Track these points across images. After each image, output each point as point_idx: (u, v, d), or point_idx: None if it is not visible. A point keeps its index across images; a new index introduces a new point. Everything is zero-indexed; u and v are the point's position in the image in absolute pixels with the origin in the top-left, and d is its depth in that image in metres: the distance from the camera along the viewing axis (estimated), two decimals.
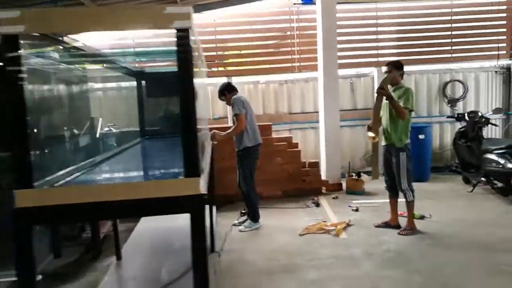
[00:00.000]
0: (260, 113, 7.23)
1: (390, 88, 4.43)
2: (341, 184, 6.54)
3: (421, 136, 6.67)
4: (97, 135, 5.14)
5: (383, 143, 4.56)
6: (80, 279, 3.75)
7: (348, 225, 4.85)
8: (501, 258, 3.72)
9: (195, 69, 2.88)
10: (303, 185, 6.32)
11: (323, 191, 6.45)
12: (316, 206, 5.75)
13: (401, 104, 4.26)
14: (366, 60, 7.28)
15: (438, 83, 7.57)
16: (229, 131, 4.84)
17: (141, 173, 2.72)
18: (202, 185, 2.05)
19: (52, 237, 4.26)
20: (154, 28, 1.99)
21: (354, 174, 6.41)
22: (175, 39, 1.90)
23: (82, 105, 5.07)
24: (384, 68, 4.54)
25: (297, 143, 6.50)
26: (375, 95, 4.42)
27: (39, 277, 3.72)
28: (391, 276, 3.50)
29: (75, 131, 4.53)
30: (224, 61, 7.21)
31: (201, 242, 2.02)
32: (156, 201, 1.94)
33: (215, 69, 7.05)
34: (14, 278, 3.62)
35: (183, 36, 1.89)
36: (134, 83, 4.95)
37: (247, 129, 4.79)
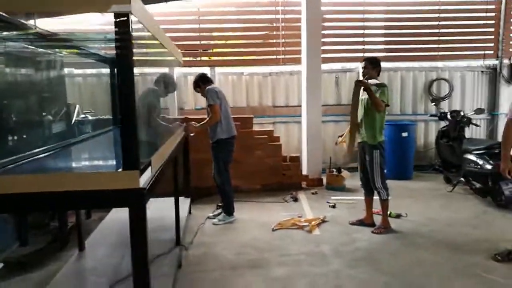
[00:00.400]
0: (244, 105, 7.13)
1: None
2: (321, 180, 6.48)
3: (404, 134, 6.60)
4: (72, 122, 5.03)
5: (357, 139, 4.49)
6: (44, 268, 3.66)
7: (323, 221, 4.78)
8: (470, 259, 3.67)
9: (143, 57, 2.77)
10: (283, 179, 6.25)
11: (303, 186, 6.39)
12: (294, 201, 5.69)
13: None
14: (352, 55, 7.18)
15: (424, 81, 7.50)
16: (203, 122, 4.74)
17: (94, 162, 2.63)
18: (142, 179, 1.96)
19: (19, 225, 4.17)
20: (93, 11, 1.89)
21: (334, 170, 6.34)
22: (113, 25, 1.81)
23: (58, 91, 4.94)
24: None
25: (278, 137, 6.41)
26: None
27: (0, 264, 3.65)
28: (357, 275, 3.44)
29: (47, 117, 4.41)
30: (208, 51, 7.07)
31: (140, 238, 1.94)
32: (92, 194, 1.85)
33: (198, 58, 6.91)
34: None
35: (121, 21, 1.80)
36: (107, 70, 4.85)
37: (221, 120, 4.70)
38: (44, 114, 4.42)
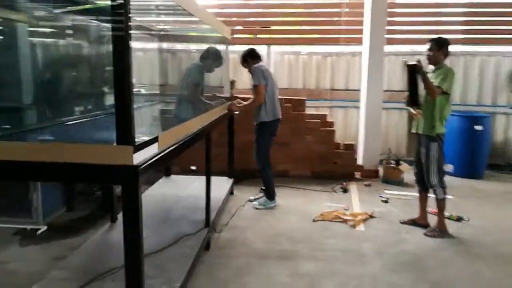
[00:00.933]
0: (299, 87, 6.78)
1: (430, 69, 3.84)
2: (377, 171, 5.99)
3: (478, 127, 5.84)
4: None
5: (413, 130, 3.99)
6: (82, 234, 3.74)
7: (371, 216, 4.38)
8: None
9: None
10: (334, 168, 5.87)
11: (357, 176, 5.95)
12: (344, 192, 5.31)
13: (435, 83, 3.66)
14: (423, 36, 6.45)
15: (510, 68, 6.54)
16: (246, 103, 4.56)
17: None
18: (139, 156, 1.80)
19: (67, 191, 4.34)
20: None
21: (393, 162, 5.81)
22: None
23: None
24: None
25: (332, 122, 6.00)
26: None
27: (44, 227, 3.81)
28: (396, 282, 3.06)
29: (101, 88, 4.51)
30: (265, 28, 6.77)
31: (132, 217, 1.79)
32: (82, 167, 1.73)
33: (255, 36, 6.66)
34: (20, 226, 3.74)
35: None
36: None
37: (266, 102, 4.42)
38: (99, 85, 4.53)
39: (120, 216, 3.69)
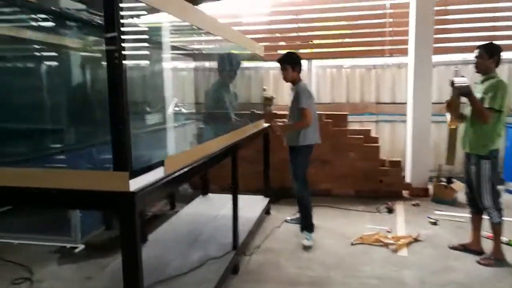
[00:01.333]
0: (343, 101, 6.55)
1: (478, 79, 3.51)
2: (427, 190, 5.56)
3: None
4: (166, 113, 5.21)
5: (462, 148, 3.64)
6: (114, 254, 3.80)
7: (416, 240, 4.04)
8: None
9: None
10: (380, 186, 5.54)
11: (404, 195, 5.57)
12: (389, 212, 4.97)
13: (486, 103, 3.30)
14: (475, 43, 5.97)
15: None
16: (291, 124, 4.10)
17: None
18: (139, 181, 1.75)
19: (105, 213, 4.46)
20: None
21: (444, 179, 5.37)
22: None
23: (156, 85, 5.19)
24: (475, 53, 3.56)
25: (376, 138, 5.70)
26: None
27: (81, 246, 3.93)
28: None
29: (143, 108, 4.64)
30: (307, 43, 6.65)
31: (129, 244, 1.74)
32: (79, 194, 1.71)
33: (295, 51, 6.54)
34: (59, 244, 3.88)
35: (108, 8, 1.60)
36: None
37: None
38: (142, 105, 4.67)
39: (150, 237, 3.71)
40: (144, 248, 3.48)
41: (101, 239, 4.14)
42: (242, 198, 4.94)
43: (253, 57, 4.48)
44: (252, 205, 4.58)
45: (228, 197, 4.98)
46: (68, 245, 3.89)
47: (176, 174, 2.10)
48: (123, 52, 1.62)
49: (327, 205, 5.23)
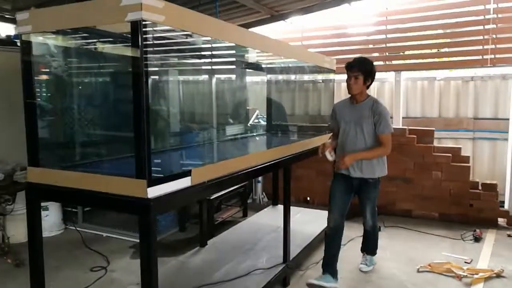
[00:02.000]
0: (435, 116, 6.05)
1: None
2: None
3: None
4: (248, 124, 5.50)
5: None
6: (180, 255, 4.08)
7: (497, 275, 3.57)
8: None
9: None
10: (469, 211, 4.99)
11: (501, 223, 4.92)
12: (475, 240, 4.45)
13: None
14: None
15: None
16: (366, 152, 3.28)
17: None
18: (158, 189, 1.93)
19: (180, 213, 4.85)
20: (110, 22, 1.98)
21: None
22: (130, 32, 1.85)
23: (240, 98, 5.54)
24: None
25: (467, 157, 5.15)
26: None
27: None
28: None
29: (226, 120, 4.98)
30: (395, 54, 6.30)
31: (146, 247, 1.92)
32: (104, 196, 1.96)
33: (381, 63, 6.26)
34: (136, 240, 4.34)
35: (135, 29, 1.82)
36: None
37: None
38: (225, 117, 5.03)
39: (209, 242, 3.92)
40: (201, 252, 3.73)
41: (172, 240, 4.51)
42: (310, 212, 4.96)
43: (321, 71, 4.45)
44: (317, 220, 4.51)
45: (298, 210, 5.05)
46: None
47: (199, 185, 2.22)
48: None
49: (403, 226, 4.89)
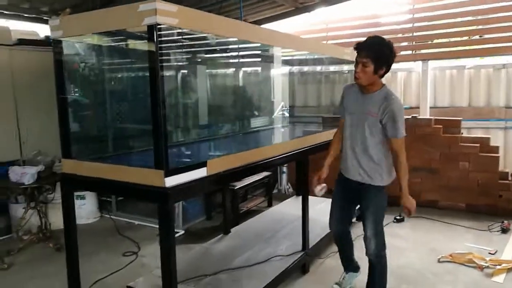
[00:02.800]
0: (464, 105, 5.92)
1: None
2: None
3: None
4: (272, 116, 5.62)
5: None
6: (202, 242, 4.26)
7: None
8: None
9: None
10: (498, 202, 4.90)
11: None
12: (502, 232, 4.39)
13: None
14: None
15: None
16: (400, 175, 2.71)
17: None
18: (176, 179, 2.09)
19: (207, 202, 5.06)
20: (130, 26, 2.15)
21: None
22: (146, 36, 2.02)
23: (264, 90, 5.66)
24: None
25: (496, 147, 5.03)
26: None
27: (181, 232, 4.58)
28: None
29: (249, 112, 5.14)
30: (424, 43, 6.18)
31: (165, 232, 2.10)
32: (127, 185, 2.15)
33: (409, 52, 6.16)
34: None
35: (150, 32, 1.98)
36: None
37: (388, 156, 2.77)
38: (248, 110, 5.18)
39: (232, 230, 4.10)
40: (224, 239, 3.91)
41: (198, 228, 4.73)
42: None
43: (342, 62, 4.48)
44: None
45: (322, 200, 5.12)
46: None
47: (214, 175, 2.37)
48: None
49: (428, 217, 4.87)
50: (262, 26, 6.66)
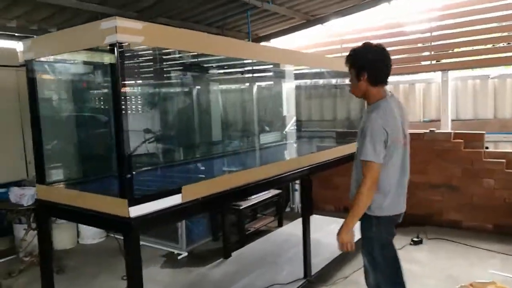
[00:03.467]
0: (489, 118, 5.52)
1: None
2: None
3: None
4: (284, 131, 5.40)
5: None
6: (205, 265, 4.08)
7: None
8: None
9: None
10: None
11: None
12: None
13: None
14: None
15: None
16: (352, 203, 2.33)
17: None
18: (144, 208, 1.95)
19: (213, 222, 4.89)
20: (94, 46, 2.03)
21: None
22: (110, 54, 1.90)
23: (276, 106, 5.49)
24: None
25: None
26: None
27: (185, 254, 4.43)
28: None
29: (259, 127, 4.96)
30: (444, 52, 5.84)
31: (131, 265, 1.95)
32: (93, 213, 2.02)
33: (427, 62, 5.84)
34: (168, 249, 4.45)
35: (111, 50, 1.87)
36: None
37: (383, 183, 2.29)
38: (258, 125, 5.02)
39: (233, 254, 3.90)
40: (224, 263, 3.72)
41: (203, 249, 4.56)
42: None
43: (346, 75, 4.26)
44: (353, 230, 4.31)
45: (333, 220, 4.86)
46: (175, 251, 4.42)
47: (191, 202, 2.20)
48: None
49: (449, 239, 4.50)
50: (272, 40, 6.55)
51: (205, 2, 4.73)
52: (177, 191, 2.15)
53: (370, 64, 2.28)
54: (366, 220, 2.37)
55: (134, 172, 1.97)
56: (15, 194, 3.83)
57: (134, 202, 1.91)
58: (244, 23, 5.64)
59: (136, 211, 1.92)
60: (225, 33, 5.73)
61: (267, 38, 6.52)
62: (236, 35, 6.01)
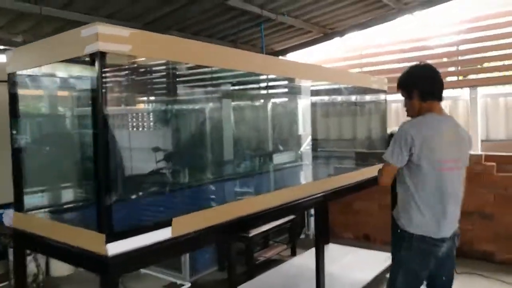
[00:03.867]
0: None
1: None
2: None
3: None
4: (299, 151, 5.06)
5: None
6: None
7: None
8: None
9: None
10: None
11: None
12: None
13: None
14: None
15: None
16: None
17: None
18: (115, 244, 1.64)
19: (219, 252, 4.52)
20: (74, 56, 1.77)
21: None
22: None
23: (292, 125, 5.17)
24: None
25: None
26: None
27: (188, 284, 4.09)
28: None
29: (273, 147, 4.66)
30: (472, 67, 5.46)
31: None
32: (68, 248, 1.73)
33: (454, 78, 5.45)
34: (171, 279, 4.13)
35: (92, 61, 1.61)
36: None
37: (412, 195, 2.23)
38: (273, 145, 4.71)
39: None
40: None
41: (209, 280, 4.20)
42: (364, 253, 4.34)
43: (367, 91, 3.93)
44: (371, 263, 3.91)
45: (350, 250, 4.47)
46: (178, 282, 4.08)
47: (184, 236, 1.88)
48: None
49: (482, 273, 4.04)
50: (289, 55, 6.29)
51: (216, 15, 4.52)
52: (167, 223, 1.84)
53: (418, 80, 2.34)
54: (398, 236, 2.30)
55: (114, 199, 1.67)
56: (9, 217, 3.59)
57: (113, 237, 1.61)
58: (259, 37, 5.40)
59: (116, 248, 1.62)
60: (239, 47, 5.49)
61: (283, 52, 6.27)
62: (250, 49, 5.77)
